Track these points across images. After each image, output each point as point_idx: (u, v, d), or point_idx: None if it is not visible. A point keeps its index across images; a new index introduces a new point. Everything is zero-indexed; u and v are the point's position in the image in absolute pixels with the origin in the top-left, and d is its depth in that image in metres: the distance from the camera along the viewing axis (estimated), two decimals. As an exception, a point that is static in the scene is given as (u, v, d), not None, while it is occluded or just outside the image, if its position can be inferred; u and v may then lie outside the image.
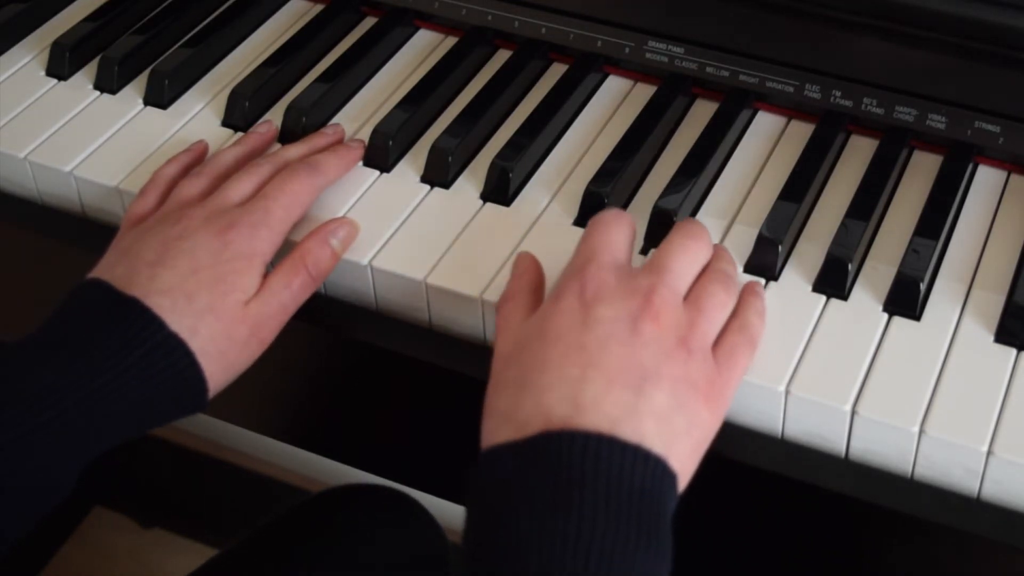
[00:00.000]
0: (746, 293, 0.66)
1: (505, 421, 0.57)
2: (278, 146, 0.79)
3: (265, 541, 0.91)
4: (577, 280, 0.60)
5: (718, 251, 0.67)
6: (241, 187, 0.70)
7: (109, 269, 0.66)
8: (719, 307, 0.62)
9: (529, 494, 0.54)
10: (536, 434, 0.55)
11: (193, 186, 0.71)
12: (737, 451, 0.63)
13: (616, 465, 0.54)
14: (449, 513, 0.99)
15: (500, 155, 0.76)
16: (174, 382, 0.64)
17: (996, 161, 0.76)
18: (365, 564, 0.91)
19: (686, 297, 0.62)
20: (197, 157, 0.77)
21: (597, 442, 0.54)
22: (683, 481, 0.57)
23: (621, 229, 0.64)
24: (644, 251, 0.71)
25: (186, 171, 0.75)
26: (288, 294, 0.68)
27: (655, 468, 0.55)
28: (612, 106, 0.82)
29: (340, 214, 0.74)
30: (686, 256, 0.63)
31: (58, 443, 0.61)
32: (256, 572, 0.88)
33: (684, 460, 0.57)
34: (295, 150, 0.76)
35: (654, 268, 0.62)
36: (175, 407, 0.65)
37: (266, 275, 0.68)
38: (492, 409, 0.59)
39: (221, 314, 0.65)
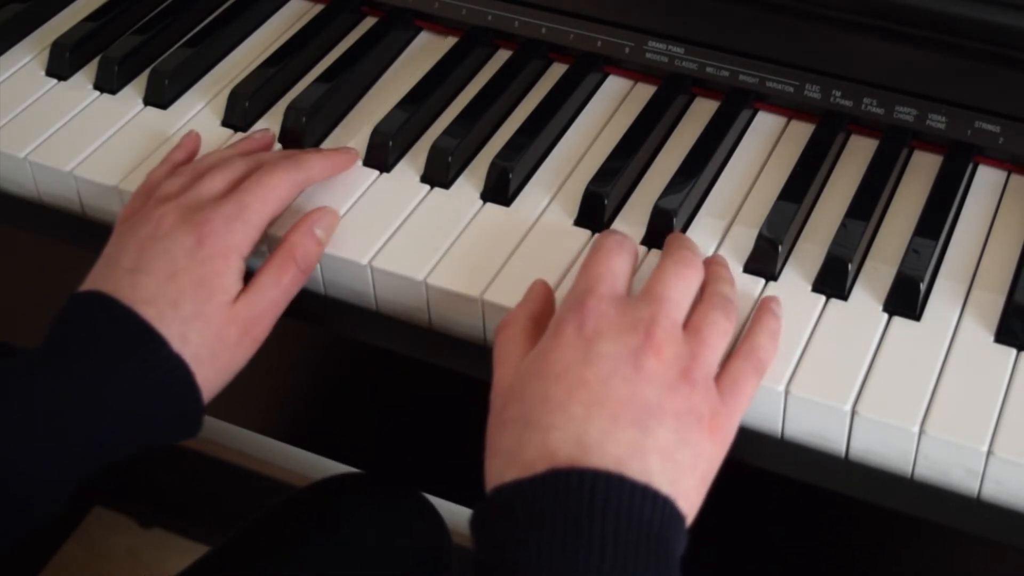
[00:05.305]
0: (762, 311, 0.66)
1: (510, 461, 0.57)
2: (278, 146, 0.79)
3: (261, 532, 0.91)
4: (576, 313, 0.60)
5: (715, 271, 0.66)
6: (214, 183, 0.70)
7: (94, 281, 0.66)
8: (720, 335, 0.62)
9: (536, 529, 0.54)
10: (543, 472, 0.55)
11: (173, 184, 0.71)
12: (737, 451, 0.63)
13: (624, 502, 0.54)
14: (448, 512, 0.99)
15: (500, 155, 0.76)
16: (171, 401, 0.64)
17: (996, 161, 0.76)
18: (363, 551, 0.91)
19: (686, 324, 0.62)
20: (188, 154, 0.76)
21: (606, 480, 0.54)
22: (690, 517, 0.57)
23: (621, 257, 0.64)
24: (645, 245, 0.71)
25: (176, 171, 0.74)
26: (278, 291, 0.67)
27: (663, 508, 0.55)
28: (612, 106, 0.82)
29: (340, 214, 0.74)
30: (682, 283, 0.63)
31: (51, 454, 0.61)
32: (253, 562, 0.89)
33: (691, 496, 0.57)
34: (268, 155, 0.75)
35: (652, 298, 0.61)
36: (169, 428, 0.65)
37: (248, 273, 0.67)
38: (496, 448, 0.58)
39: (209, 319, 0.65)
